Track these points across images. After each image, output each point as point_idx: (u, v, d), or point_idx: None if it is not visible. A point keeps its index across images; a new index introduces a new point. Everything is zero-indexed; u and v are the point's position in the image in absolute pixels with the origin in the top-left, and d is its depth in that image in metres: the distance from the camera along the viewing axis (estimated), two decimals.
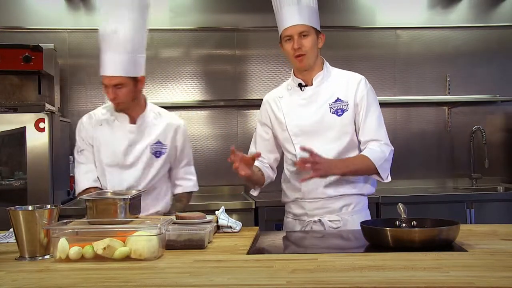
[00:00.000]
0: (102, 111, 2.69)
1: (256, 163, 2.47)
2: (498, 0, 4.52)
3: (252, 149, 2.60)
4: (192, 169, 2.82)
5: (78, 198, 2.35)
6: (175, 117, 2.79)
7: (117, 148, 2.60)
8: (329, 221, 2.39)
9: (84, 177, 2.64)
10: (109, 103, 2.66)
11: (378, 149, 2.36)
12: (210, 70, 4.41)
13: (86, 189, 2.60)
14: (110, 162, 2.61)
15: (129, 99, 2.54)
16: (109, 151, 2.61)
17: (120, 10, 2.48)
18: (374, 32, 4.49)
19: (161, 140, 2.65)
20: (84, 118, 2.70)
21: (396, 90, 4.48)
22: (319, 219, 2.39)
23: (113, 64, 2.47)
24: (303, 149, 2.24)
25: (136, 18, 2.50)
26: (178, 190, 2.80)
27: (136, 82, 2.54)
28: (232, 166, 2.24)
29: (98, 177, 2.63)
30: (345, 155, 2.40)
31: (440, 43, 4.51)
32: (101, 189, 2.60)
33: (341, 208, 2.41)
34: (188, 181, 2.79)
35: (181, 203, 2.76)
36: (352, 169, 2.34)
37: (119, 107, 2.59)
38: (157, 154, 2.64)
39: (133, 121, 2.63)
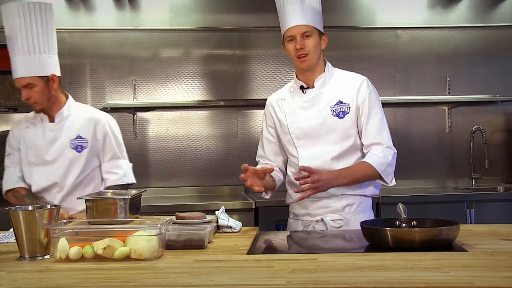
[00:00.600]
0: (29, 115, 2.81)
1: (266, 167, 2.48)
2: (498, 0, 4.52)
3: (260, 152, 2.60)
4: (120, 162, 2.82)
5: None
6: (98, 112, 2.85)
7: (39, 147, 2.71)
8: (331, 220, 2.38)
9: (8, 179, 2.75)
10: None
11: (381, 154, 2.36)
12: (210, 70, 4.41)
13: (10, 190, 2.72)
14: (35, 161, 2.71)
15: (43, 98, 2.66)
16: (33, 150, 2.71)
17: (20, 15, 2.59)
18: (374, 32, 4.49)
19: (81, 134, 2.72)
20: (14, 125, 2.85)
21: (396, 90, 4.48)
22: (322, 219, 2.39)
23: (19, 66, 2.60)
24: (303, 169, 2.24)
25: (37, 21, 2.61)
26: (105, 184, 2.83)
27: (47, 82, 2.65)
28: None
29: (23, 178, 2.73)
30: (347, 157, 2.39)
31: (440, 43, 4.51)
32: (27, 189, 2.71)
33: (343, 208, 2.40)
34: (113, 175, 2.80)
35: None
36: (354, 178, 2.35)
37: (36, 108, 2.70)
38: (78, 148, 2.71)
39: (52, 119, 2.74)
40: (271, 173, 2.47)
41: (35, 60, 2.60)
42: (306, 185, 2.22)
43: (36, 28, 2.61)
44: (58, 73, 2.70)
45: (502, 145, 4.55)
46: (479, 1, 4.52)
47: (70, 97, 2.81)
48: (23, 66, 2.59)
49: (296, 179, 2.27)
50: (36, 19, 2.61)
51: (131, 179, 2.84)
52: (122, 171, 2.81)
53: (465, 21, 4.52)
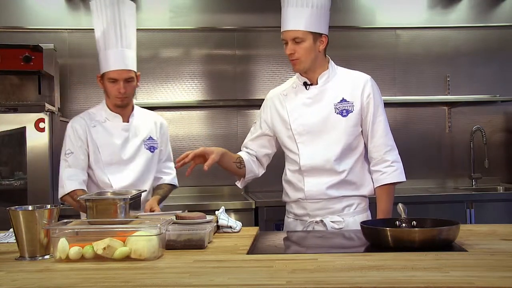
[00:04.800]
0: (93, 114, 2.75)
1: (243, 154, 2.54)
2: (498, 0, 4.52)
3: (246, 140, 2.62)
4: (171, 165, 2.90)
5: (78, 198, 2.34)
6: (157, 115, 2.93)
7: (114, 146, 2.68)
8: (331, 221, 2.39)
9: (70, 180, 2.62)
10: (98, 106, 2.80)
11: (393, 166, 2.41)
12: (210, 70, 4.41)
13: (72, 191, 2.60)
14: (109, 161, 2.67)
15: (132, 94, 2.72)
16: (107, 150, 2.67)
17: (112, 9, 2.70)
18: (374, 32, 4.49)
19: (152, 136, 2.78)
20: (76, 122, 2.72)
21: (396, 90, 4.48)
22: (321, 220, 2.39)
23: (125, 58, 2.64)
24: None
25: (132, 17, 2.74)
26: (159, 182, 2.85)
27: (136, 79, 2.72)
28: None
29: (83, 181, 2.65)
30: (347, 155, 2.40)
31: (440, 43, 4.51)
32: (85, 191, 2.63)
33: (343, 209, 2.41)
34: (167, 175, 2.87)
35: (161, 190, 2.80)
36: (392, 204, 2.45)
37: (124, 103, 2.68)
38: (151, 149, 2.76)
39: (125, 119, 2.74)
40: (244, 160, 2.52)
41: (134, 55, 2.69)
42: None
43: (134, 23, 2.74)
44: None
45: (502, 145, 4.55)
46: (479, 1, 4.52)
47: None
48: (128, 59, 2.65)
49: None
50: (131, 15, 2.73)
51: (177, 182, 2.92)
52: (174, 172, 2.89)
53: (465, 21, 4.52)
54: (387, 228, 1.82)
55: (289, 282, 1.41)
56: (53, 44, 4.00)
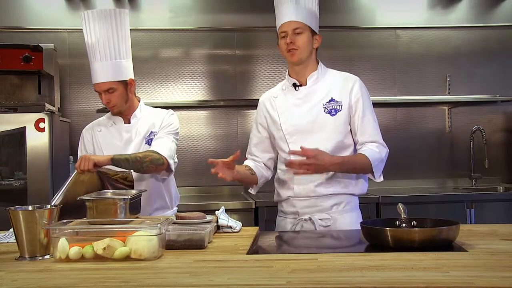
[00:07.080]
0: (100, 119, 2.89)
1: (249, 162, 2.58)
2: (498, 0, 4.52)
3: (249, 149, 2.66)
4: (161, 140, 2.73)
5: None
6: (164, 110, 2.91)
7: (117, 148, 2.72)
8: (320, 219, 2.41)
9: None
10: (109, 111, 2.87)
11: (376, 150, 2.40)
12: (210, 70, 4.41)
13: None
14: None
15: (122, 102, 2.73)
16: (110, 152, 2.70)
17: (100, 21, 2.69)
18: (374, 32, 4.49)
19: (153, 130, 2.79)
20: (85, 129, 2.88)
21: (396, 90, 4.48)
22: (310, 218, 2.41)
23: (100, 72, 2.69)
24: (293, 153, 2.26)
25: (116, 26, 2.71)
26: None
27: (126, 86, 2.73)
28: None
29: None
30: (338, 153, 2.41)
31: (440, 43, 4.52)
32: None
33: (331, 207, 2.43)
34: (152, 146, 2.71)
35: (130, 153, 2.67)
36: (349, 167, 2.37)
37: (114, 111, 2.77)
38: (149, 142, 2.76)
39: (127, 121, 2.81)
40: (252, 167, 2.54)
41: (116, 65, 2.70)
42: (300, 165, 2.23)
43: (117, 33, 2.71)
44: (133, 77, 2.78)
45: (502, 145, 4.56)
46: (479, 1, 4.53)
47: (141, 99, 2.89)
48: (105, 72, 2.68)
49: (287, 164, 2.29)
50: (116, 24, 2.70)
51: (164, 153, 2.65)
52: (157, 142, 2.71)
53: (465, 21, 4.53)
54: (387, 228, 1.82)
55: (289, 282, 1.41)
56: (53, 44, 4.00)
